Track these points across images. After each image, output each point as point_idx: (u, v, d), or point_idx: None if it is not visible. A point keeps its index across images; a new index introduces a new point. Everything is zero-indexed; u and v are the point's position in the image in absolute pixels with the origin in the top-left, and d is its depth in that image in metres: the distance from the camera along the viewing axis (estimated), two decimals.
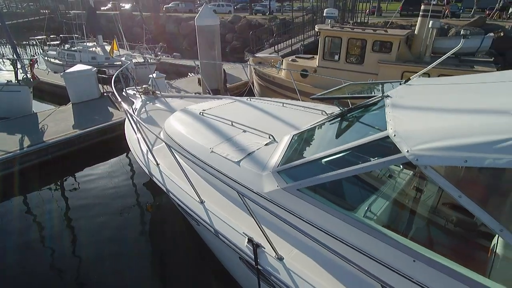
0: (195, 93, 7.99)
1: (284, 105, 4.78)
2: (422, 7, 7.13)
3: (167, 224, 5.13)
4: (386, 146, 2.07)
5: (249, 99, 5.16)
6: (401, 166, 2.94)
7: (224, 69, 9.82)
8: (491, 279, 1.96)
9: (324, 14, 8.27)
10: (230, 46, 23.09)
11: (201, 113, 4.27)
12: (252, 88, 6.99)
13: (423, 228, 2.67)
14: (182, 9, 32.66)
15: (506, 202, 1.90)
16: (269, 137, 3.45)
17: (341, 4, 16.50)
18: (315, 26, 8.67)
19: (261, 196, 2.59)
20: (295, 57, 9.00)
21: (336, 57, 7.82)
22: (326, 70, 7.75)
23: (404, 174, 2.94)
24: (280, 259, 2.35)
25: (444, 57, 3.09)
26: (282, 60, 9.05)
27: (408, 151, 1.86)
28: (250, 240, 2.44)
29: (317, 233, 2.30)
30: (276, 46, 12.99)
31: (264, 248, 2.41)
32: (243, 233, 2.54)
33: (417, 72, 3.56)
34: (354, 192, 2.61)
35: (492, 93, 2.23)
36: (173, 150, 2.95)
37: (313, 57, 8.76)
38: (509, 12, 20.31)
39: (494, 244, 2.41)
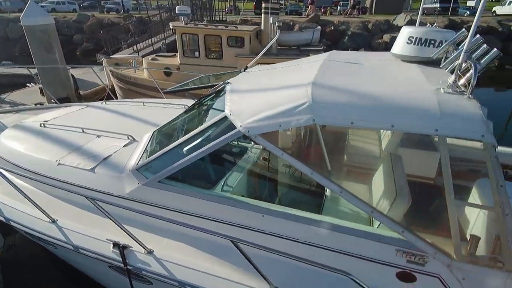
0: (35, 104, 6.86)
1: (145, 104, 4.72)
2: (263, 5, 8.25)
3: (27, 265, 4.32)
4: (226, 125, 2.40)
5: (104, 102, 4.84)
6: (252, 143, 3.42)
7: (72, 74, 8.75)
8: (322, 214, 2.57)
9: (176, 12, 8.50)
10: (81, 48, 20.56)
11: (42, 125, 3.76)
12: (110, 92, 6.55)
13: (275, 190, 3.24)
14: (8, 8, 26.82)
15: (311, 151, 2.53)
16: (128, 138, 3.39)
17: (199, 2, 17.06)
18: (169, 23, 8.78)
19: (123, 198, 2.57)
20: (156, 55, 8.88)
21: (197, 54, 8.17)
22: (189, 67, 8.00)
23: (256, 149, 3.45)
24: (150, 252, 2.41)
25: (265, 49, 3.74)
26: (142, 60, 8.78)
27: (241, 125, 2.23)
28: (116, 244, 2.40)
29: (183, 217, 2.48)
30: (135, 46, 12.37)
31: (132, 247, 2.42)
32: (107, 239, 2.47)
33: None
34: (211, 171, 2.91)
35: (301, 72, 2.88)
36: (1, 171, 2.56)
37: (175, 54, 8.86)
38: (338, 9, 25.50)
39: (326, 189, 3.15)
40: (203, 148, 2.38)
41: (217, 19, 16.87)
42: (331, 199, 3.03)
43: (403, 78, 2.35)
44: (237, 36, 7.85)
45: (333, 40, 18.19)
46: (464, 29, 2.23)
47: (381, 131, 4.24)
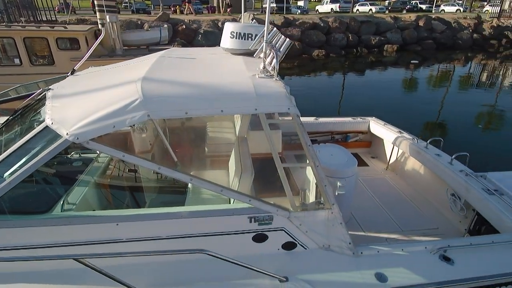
0: None
1: None
2: (96, 2, 7.58)
3: None
4: (50, 136, 2.16)
5: None
6: (98, 152, 3.20)
7: None
8: (185, 205, 2.66)
9: None
10: None
11: None
12: None
13: (137, 196, 3.15)
14: None
15: (157, 149, 2.60)
16: None
17: None
18: None
19: None
20: None
21: (17, 61, 6.82)
22: (9, 78, 6.61)
23: (103, 158, 3.24)
24: None
25: (91, 50, 3.55)
26: None
27: (67, 133, 2.06)
28: None
29: (12, 253, 2.12)
30: None
31: None
32: None
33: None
34: (45, 192, 2.58)
35: (133, 70, 2.86)
36: None
37: None
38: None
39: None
40: (24, 168, 2.07)
41: (44, 19, 14.44)
42: (192, 190, 3.18)
43: (228, 69, 2.67)
44: (69, 38, 6.97)
45: (187, 38, 18.48)
46: (274, 27, 2.72)
47: (235, 118, 4.69)
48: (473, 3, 36.68)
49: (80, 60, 7.28)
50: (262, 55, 2.46)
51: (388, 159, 4.93)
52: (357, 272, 2.35)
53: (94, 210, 2.37)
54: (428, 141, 4.19)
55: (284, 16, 22.02)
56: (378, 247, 2.52)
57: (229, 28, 3.00)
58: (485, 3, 36.45)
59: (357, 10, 32.47)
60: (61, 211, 2.33)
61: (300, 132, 2.29)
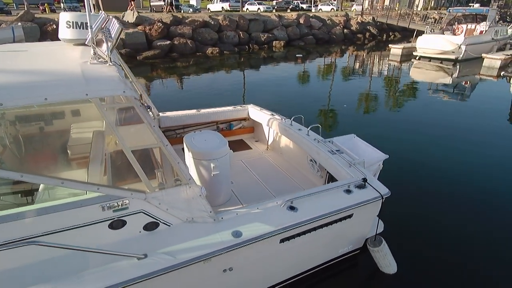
0: None
1: None
2: None
3: None
4: None
5: None
6: None
7: None
8: (35, 204, 2.47)
9: None
10: None
11: None
12: None
13: None
14: None
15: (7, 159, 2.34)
16: None
17: None
18: None
19: None
20: None
21: None
22: None
23: None
24: None
25: None
26: None
27: None
28: None
29: None
30: None
31: None
32: None
33: None
34: None
35: None
36: None
37: None
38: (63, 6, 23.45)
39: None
40: None
41: None
42: (44, 190, 2.97)
43: (60, 58, 2.57)
44: None
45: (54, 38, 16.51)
46: (103, 12, 2.71)
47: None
48: (344, 3, 42.54)
49: None
50: (91, 41, 2.46)
51: (267, 140, 5.45)
52: (216, 234, 2.57)
53: None
54: (291, 119, 4.79)
55: (172, 14, 21.66)
56: (237, 210, 2.80)
57: (64, 18, 2.88)
58: (354, 2, 42.74)
59: (247, 9, 34.17)
60: None
61: (141, 114, 2.37)
